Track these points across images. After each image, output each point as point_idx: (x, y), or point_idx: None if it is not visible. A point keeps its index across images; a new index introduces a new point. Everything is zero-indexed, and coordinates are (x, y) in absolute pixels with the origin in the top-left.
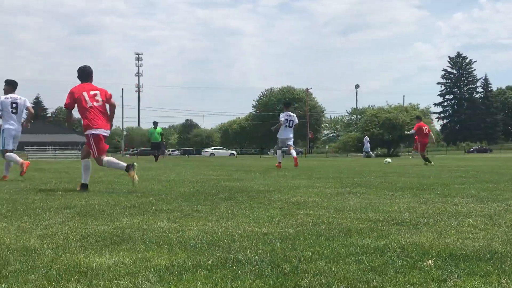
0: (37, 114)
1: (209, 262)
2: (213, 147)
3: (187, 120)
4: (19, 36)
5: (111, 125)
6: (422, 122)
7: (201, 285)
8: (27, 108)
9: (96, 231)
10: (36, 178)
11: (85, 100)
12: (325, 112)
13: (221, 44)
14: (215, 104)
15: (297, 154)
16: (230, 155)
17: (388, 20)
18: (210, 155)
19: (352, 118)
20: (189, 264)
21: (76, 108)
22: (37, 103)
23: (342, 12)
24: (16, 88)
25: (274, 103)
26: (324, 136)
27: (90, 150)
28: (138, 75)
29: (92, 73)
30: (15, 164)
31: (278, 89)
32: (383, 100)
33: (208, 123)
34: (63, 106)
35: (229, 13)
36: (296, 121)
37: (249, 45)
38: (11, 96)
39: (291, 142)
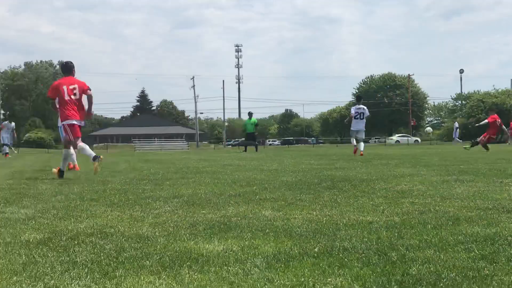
0: (143, 108)
1: (316, 250)
2: (397, 135)
3: (286, 110)
4: (125, 31)
5: (91, 113)
6: (496, 114)
7: (309, 272)
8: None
9: (204, 219)
10: (144, 169)
11: (64, 93)
12: (428, 98)
13: (321, 32)
14: (315, 94)
15: (414, 142)
16: (414, 142)
17: (494, 1)
18: (395, 142)
19: (457, 104)
20: (296, 251)
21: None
22: (143, 96)
23: None
24: None
25: (375, 91)
26: (427, 123)
27: (66, 135)
28: (238, 66)
29: (73, 68)
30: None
31: (378, 76)
32: (489, 85)
33: (308, 112)
34: (48, 93)
35: (328, 1)
36: (367, 113)
37: (349, 32)
38: None
39: (361, 135)
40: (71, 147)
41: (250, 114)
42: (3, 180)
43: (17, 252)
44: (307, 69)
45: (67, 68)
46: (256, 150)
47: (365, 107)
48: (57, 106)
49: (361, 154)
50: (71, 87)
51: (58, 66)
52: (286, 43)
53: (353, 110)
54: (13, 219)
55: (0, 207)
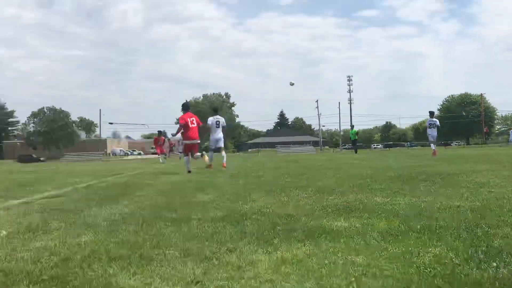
0: (282, 123)
1: (418, 227)
2: None
3: (386, 122)
4: (269, 70)
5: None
6: None
7: (414, 243)
8: (223, 126)
9: (331, 203)
10: (284, 167)
11: (189, 123)
12: (497, 111)
13: (412, 64)
14: (408, 109)
15: None
16: None
17: None
18: (509, 142)
19: None
20: (402, 228)
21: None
22: (281, 115)
23: (510, 33)
24: (217, 112)
25: (454, 106)
26: (497, 130)
27: (184, 150)
28: (350, 91)
29: (189, 106)
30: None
31: (457, 95)
32: None
33: (403, 123)
34: (179, 123)
35: (417, 41)
36: (438, 124)
37: (433, 64)
38: (215, 117)
39: (434, 140)
40: (189, 155)
41: (352, 126)
42: (189, 175)
43: (206, 225)
44: (402, 91)
45: (187, 107)
46: (356, 152)
47: (436, 120)
48: (182, 130)
49: (435, 153)
50: (191, 119)
51: (224, 96)
52: (386, 73)
53: (427, 122)
54: (202, 202)
55: (192, 194)
